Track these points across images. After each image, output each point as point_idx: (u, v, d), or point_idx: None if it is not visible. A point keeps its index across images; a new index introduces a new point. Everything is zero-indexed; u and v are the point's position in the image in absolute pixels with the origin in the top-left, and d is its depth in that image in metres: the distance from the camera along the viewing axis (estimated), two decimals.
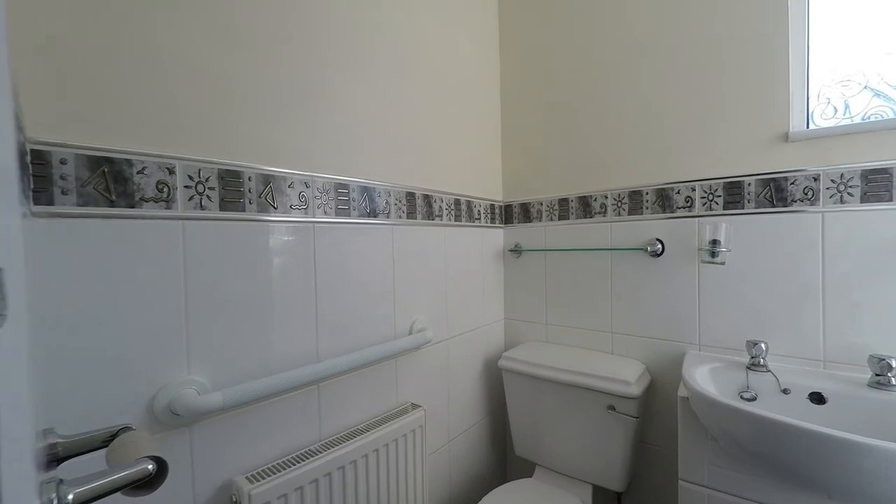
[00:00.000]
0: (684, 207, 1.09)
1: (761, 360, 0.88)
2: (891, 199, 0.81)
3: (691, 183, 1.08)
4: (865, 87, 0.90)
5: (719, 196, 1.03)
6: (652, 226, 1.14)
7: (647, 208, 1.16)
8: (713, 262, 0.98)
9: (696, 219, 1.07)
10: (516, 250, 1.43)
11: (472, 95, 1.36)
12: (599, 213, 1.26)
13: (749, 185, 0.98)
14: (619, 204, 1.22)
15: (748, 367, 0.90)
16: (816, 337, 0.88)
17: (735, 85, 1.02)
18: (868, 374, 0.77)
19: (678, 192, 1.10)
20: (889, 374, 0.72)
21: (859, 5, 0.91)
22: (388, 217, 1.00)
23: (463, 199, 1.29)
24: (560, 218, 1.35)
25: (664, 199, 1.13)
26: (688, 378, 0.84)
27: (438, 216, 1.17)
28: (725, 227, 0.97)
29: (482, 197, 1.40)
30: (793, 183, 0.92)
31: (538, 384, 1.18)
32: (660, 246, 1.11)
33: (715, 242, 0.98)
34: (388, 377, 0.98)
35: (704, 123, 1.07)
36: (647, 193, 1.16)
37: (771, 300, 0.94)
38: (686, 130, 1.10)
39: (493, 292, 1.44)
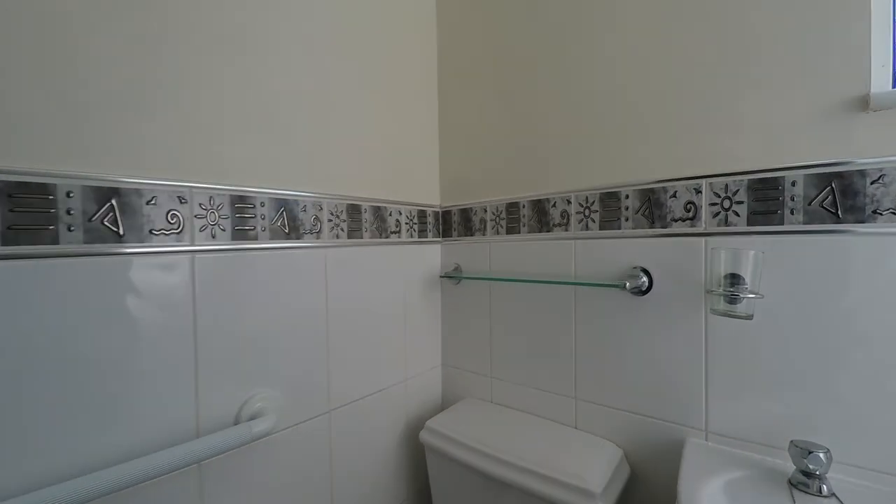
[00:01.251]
0: (684, 220, 0.69)
1: (818, 477, 0.49)
2: None
3: (696, 181, 0.68)
4: None
5: (741, 202, 0.63)
6: (634, 247, 0.75)
7: (626, 220, 0.76)
8: (733, 314, 0.58)
9: (703, 238, 0.67)
10: (453, 276, 1.04)
11: (398, 66, 0.96)
12: (560, 224, 0.86)
13: (793, 184, 0.58)
14: (587, 212, 0.82)
15: (794, 485, 0.51)
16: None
17: (771, 15, 0.62)
18: None
19: (674, 196, 0.70)
20: None
21: None
22: (209, 238, 0.61)
23: (367, 205, 0.90)
24: (509, 230, 0.95)
25: (652, 206, 0.73)
26: (687, 501, 0.46)
27: (312, 231, 0.78)
28: (754, 257, 0.57)
29: (403, 202, 1.00)
30: (876, 181, 0.52)
31: (464, 473, 0.79)
32: (645, 279, 0.72)
33: (735, 280, 0.58)
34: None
35: (721, 82, 0.66)
36: (626, 197, 0.77)
37: (835, 376, 0.54)
38: (689, 97, 0.70)
39: (424, 330, 1.05)
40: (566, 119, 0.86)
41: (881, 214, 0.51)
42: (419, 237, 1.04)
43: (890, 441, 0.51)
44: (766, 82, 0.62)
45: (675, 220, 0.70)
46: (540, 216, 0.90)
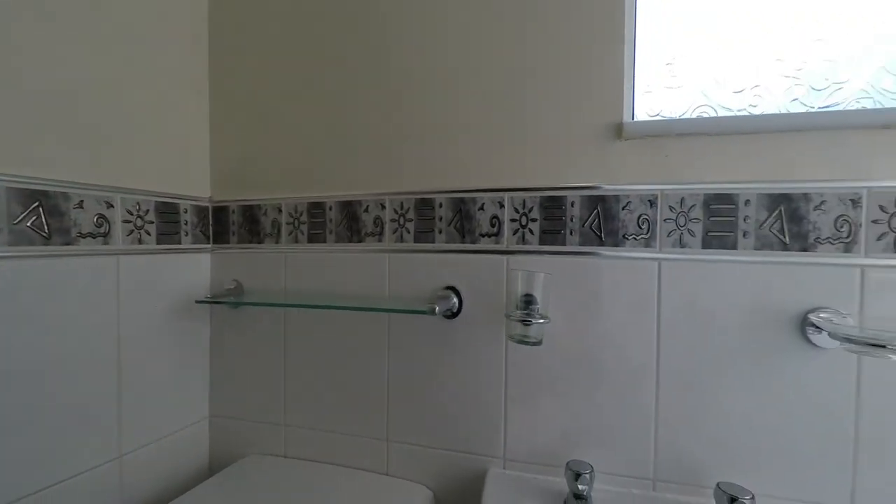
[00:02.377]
0: (489, 235, 0.67)
1: (584, 497, 0.53)
2: (732, 245, 0.55)
3: (499, 194, 0.66)
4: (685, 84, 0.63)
5: (534, 220, 0.64)
6: (446, 263, 0.69)
7: (440, 231, 0.69)
8: (525, 341, 0.57)
9: (506, 256, 0.66)
10: (232, 302, 0.76)
11: None
12: (373, 233, 0.73)
13: (573, 204, 0.62)
14: (402, 220, 0.71)
15: None
16: (645, 445, 0.59)
17: (555, 41, 0.63)
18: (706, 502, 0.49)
19: (481, 208, 0.67)
20: None
21: None
22: None
23: (74, 194, 0.53)
24: (312, 238, 0.76)
25: (463, 219, 0.68)
26: None
27: None
28: (544, 279, 0.58)
29: (116, 187, 0.65)
30: (625, 206, 0.59)
31: None
32: (455, 301, 0.67)
33: (529, 302, 0.58)
34: None
35: (522, 95, 0.65)
36: (440, 205, 0.69)
37: (601, 394, 0.61)
38: (497, 105, 0.66)
39: (173, 375, 0.75)
40: (382, 108, 0.72)
41: (627, 239, 0.59)
42: (163, 243, 0.72)
43: (636, 448, 0.59)
44: (551, 102, 0.63)
45: (483, 236, 0.67)
46: (350, 222, 0.74)
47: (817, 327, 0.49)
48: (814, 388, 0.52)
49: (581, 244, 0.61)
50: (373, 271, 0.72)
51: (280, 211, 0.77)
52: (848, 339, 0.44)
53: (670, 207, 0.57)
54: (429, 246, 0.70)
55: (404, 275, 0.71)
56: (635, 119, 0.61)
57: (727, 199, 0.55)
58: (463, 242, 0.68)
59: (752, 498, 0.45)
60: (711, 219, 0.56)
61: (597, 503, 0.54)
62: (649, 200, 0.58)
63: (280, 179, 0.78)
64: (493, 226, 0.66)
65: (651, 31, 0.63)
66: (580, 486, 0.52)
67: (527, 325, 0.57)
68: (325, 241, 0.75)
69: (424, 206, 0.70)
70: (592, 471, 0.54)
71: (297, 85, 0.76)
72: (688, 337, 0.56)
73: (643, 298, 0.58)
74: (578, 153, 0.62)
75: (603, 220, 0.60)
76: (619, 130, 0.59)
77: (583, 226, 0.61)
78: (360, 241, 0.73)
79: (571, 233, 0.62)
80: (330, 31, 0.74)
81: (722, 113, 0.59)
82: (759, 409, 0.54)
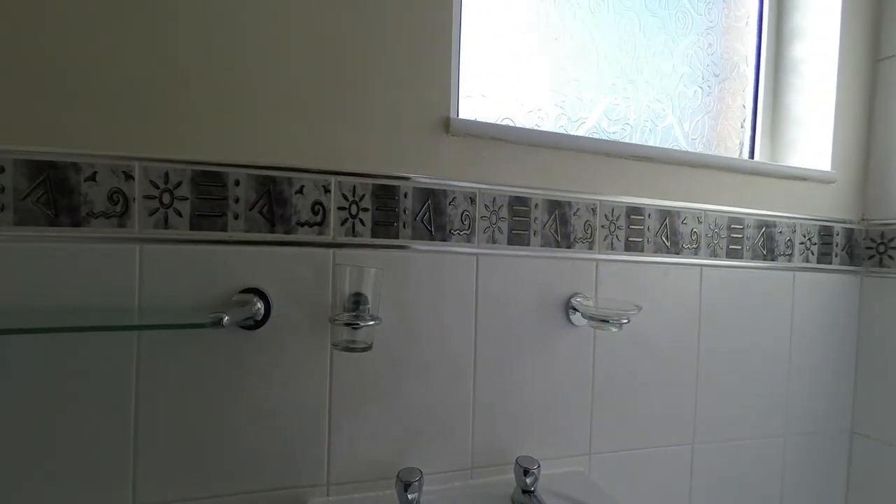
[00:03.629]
0: (311, 224, 0.55)
1: (414, 501, 0.52)
2: (526, 242, 0.66)
3: (324, 176, 0.55)
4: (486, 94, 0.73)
5: (366, 210, 0.57)
6: (246, 258, 0.52)
7: (236, 216, 0.51)
8: (352, 348, 0.50)
9: (332, 249, 0.56)
10: None
11: None
12: (109, 214, 0.46)
13: (406, 195, 0.59)
14: (169, 197, 0.48)
15: None
16: (464, 437, 0.62)
17: (391, 30, 0.57)
18: (513, 482, 0.58)
19: (300, 191, 0.54)
20: (532, 486, 0.55)
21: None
22: None
23: None
24: (23, 221, 0.41)
25: (273, 201, 0.53)
26: None
27: None
28: (375, 276, 0.52)
29: None
30: (452, 202, 0.61)
31: None
32: (260, 306, 0.51)
33: (358, 303, 0.51)
34: None
35: (354, 73, 0.55)
36: (237, 183, 0.51)
37: (427, 393, 0.60)
38: (321, 73, 0.54)
39: None
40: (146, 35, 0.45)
41: (453, 234, 0.62)
42: None
43: (458, 441, 0.62)
44: (386, 89, 0.57)
45: (303, 224, 0.54)
46: (57, 195, 0.44)
47: (574, 308, 0.66)
48: (580, 355, 0.68)
49: (413, 238, 0.59)
50: (117, 271, 0.46)
51: None
52: (589, 317, 0.61)
53: (485, 206, 0.63)
54: (219, 235, 0.51)
55: (170, 275, 0.49)
56: (453, 116, 0.64)
57: (523, 201, 0.65)
58: (273, 232, 0.53)
59: (539, 467, 0.55)
60: (514, 218, 0.65)
61: None
62: (470, 197, 0.62)
63: None
64: (315, 213, 0.55)
65: (470, 46, 0.67)
66: (410, 496, 0.51)
67: (356, 328, 0.50)
68: (37, 224, 0.42)
69: (209, 180, 0.50)
70: (422, 476, 0.52)
71: None
72: (497, 327, 0.63)
73: (465, 292, 0.62)
74: (410, 143, 0.59)
75: (433, 214, 0.60)
76: (448, 125, 0.60)
77: (415, 219, 0.59)
78: (77, 225, 0.45)
79: (405, 225, 0.59)
80: None
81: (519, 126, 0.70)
82: (542, 382, 0.65)
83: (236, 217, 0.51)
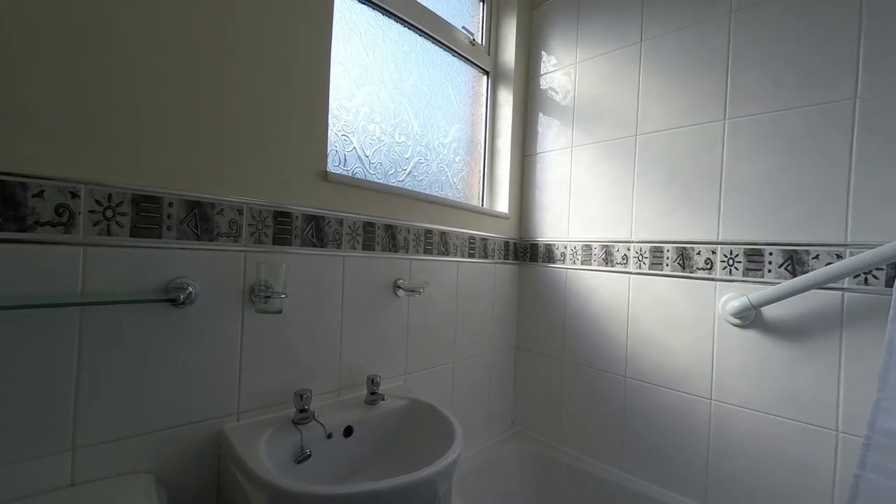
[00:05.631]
0: (228, 235, 0.77)
1: (308, 410, 0.85)
2: (373, 248, 1.08)
3: (239, 202, 0.79)
4: (354, 149, 1.12)
5: (269, 227, 0.84)
6: (177, 259, 0.70)
7: (169, 228, 0.69)
8: (269, 311, 0.79)
9: (244, 252, 0.80)
10: None
11: None
12: (61, 223, 0.56)
13: (297, 218, 0.89)
14: (111, 213, 0.62)
15: (296, 423, 0.83)
16: (335, 369, 0.99)
17: (293, 109, 0.86)
18: (364, 392, 1.00)
19: (220, 213, 0.76)
20: (377, 390, 0.99)
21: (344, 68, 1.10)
22: None
23: None
24: None
25: (201, 220, 0.73)
26: (252, 467, 0.64)
27: None
28: (286, 268, 0.81)
29: None
30: (328, 223, 0.96)
31: None
32: (192, 289, 0.71)
33: (270, 284, 0.79)
34: None
35: (261, 132, 0.81)
36: (170, 204, 0.69)
37: (313, 343, 0.93)
38: (239, 129, 0.77)
39: None
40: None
41: (329, 243, 0.96)
42: None
43: (330, 372, 0.98)
44: (287, 146, 0.86)
45: (222, 235, 0.76)
46: (4, 208, 0.51)
47: (398, 286, 1.13)
48: (401, 315, 1.15)
49: (302, 245, 0.90)
50: (53, 267, 0.56)
51: None
52: (405, 290, 1.10)
53: (349, 226, 1.01)
54: (152, 241, 0.67)
55: (112, 271, 0.62)
56: (329, 170, 0.99)
57: (371, 224, 1.07)
58: (199, 239, 0.73)
59: (380, 378, 0.99)
60: (366, 234, 1.06)
61: (316, 413, 0.88)
62: (340, 221, 0.99)
63: None
64: (231, 227, 0.78)
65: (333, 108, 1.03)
66: (303, 403, 0.83)
67: (269, 298, 0.78)
68: None
69: (145, 203, 0.66)
70: (311, 393, 0.86)
71: None
72: (355, 299, 1.03)
73: (336, 279, 0.98)
74: (301, 185, 0.90)
75: (315, 231, 0.93)
76: (325, 175, 0.95)
77: (303, 233, 0.91)
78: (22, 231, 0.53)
79: (296, 238, 0.89)
80: None
81: (368, 175, 1.12)
82: (380, 331, 1.11)
83: (170, 228, 0.68)
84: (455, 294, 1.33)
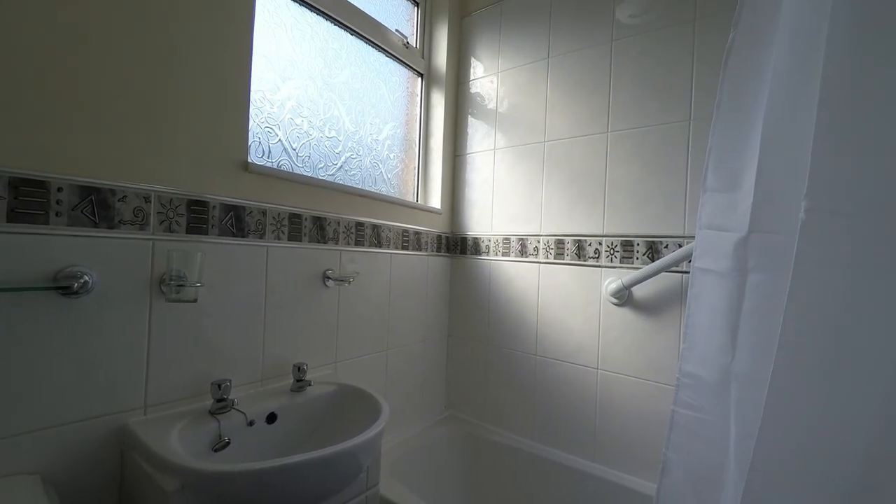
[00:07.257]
0: (133, 223, 0.75)
1: (226, 399, 0.85)
2: (300, 240, 1.09)
3: (145, 189, 0.76)
4: (279, 141, 1.12)
5: (182, 215, 0.82)
6: (69, 246, 0.67)
7: (58, 214, 0.65)
8: (183, 300, 0.78)
9: (152, 241, 0.77)
10: None
11: None
12: None
13: (214, 208, 0.88)
14: None
15: (213, 413, 0.82)
16: (258, 358, 0.98)
17: (202, 98, 0.85)
18: (290, 381, 1.00)
19: (123, 199, 0.73)
20: (304, 377, 1.00)
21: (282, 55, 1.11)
22: None
23: None
24: None
25: (99, 207, 0.70)
26: (162, 454, 0.64)
27: None
28: (201, 256, 0.80)
29: None
30: (249, 214, 0.95)
31: None
32: (87, 279, 0.68)
33: (183, 273, 0.78)
34: None
35: (169, 120, 0.79)
36: (59, 189, 0.65)
37: (233, 333, 0.92)
38: (144, 115, 0.75)
39: None
40: None
41: (251, 233, 0.95)
42: None
43: (252, 362, 0.96)
44: (200, 136, 0.85)
45: (125, 223, 0.73)
46: None
47: (328, 277, 1.15)
48: (330, 305, 1.17)
49: (220, 235, 0.89)
50: None
51: None
52: (335, 279, 1.13)
53: (273, 217, 1.01)
54: (36, 227, 0.63)
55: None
56: (250, 160, 0.98)
57: (297, 216, 1.08)
58: (97, 226, 0.70)
59: (307, 366, 1.01)
60: (292, 226, 1.06)
61: (236, 402, 0.87)
62: (263, 212, 0.98)
63: None
64: (137, 215, 0.75)
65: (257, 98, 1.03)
66: (219, 395, 0.82)
67: (183, 287, 0.77)
68: None
69: (25, 187, 0.62)
70: (230, 382, 0.85)
71: None
72: (281, 289, 1.02)
73: (258, 270, 0.97)
74: (219, 174, 0.89)
75: (235, 221, 0.92)
76: (246, 166, 0.94)
77: (221, 223, 0.89)
78: None
79: (213, 227, 0.88)
80: None
81: (295, 167, 1.12)
82: (308, 321, 1.10)
83: (58, 214, 0.65)
84: (388, 284, 1.37)
